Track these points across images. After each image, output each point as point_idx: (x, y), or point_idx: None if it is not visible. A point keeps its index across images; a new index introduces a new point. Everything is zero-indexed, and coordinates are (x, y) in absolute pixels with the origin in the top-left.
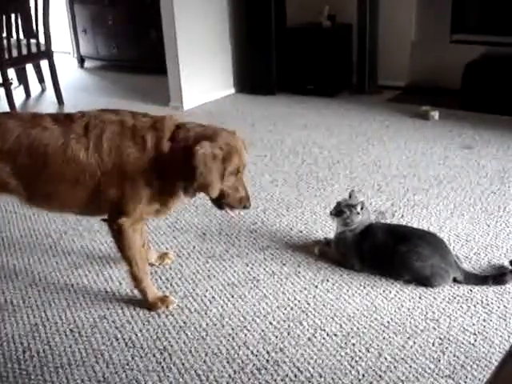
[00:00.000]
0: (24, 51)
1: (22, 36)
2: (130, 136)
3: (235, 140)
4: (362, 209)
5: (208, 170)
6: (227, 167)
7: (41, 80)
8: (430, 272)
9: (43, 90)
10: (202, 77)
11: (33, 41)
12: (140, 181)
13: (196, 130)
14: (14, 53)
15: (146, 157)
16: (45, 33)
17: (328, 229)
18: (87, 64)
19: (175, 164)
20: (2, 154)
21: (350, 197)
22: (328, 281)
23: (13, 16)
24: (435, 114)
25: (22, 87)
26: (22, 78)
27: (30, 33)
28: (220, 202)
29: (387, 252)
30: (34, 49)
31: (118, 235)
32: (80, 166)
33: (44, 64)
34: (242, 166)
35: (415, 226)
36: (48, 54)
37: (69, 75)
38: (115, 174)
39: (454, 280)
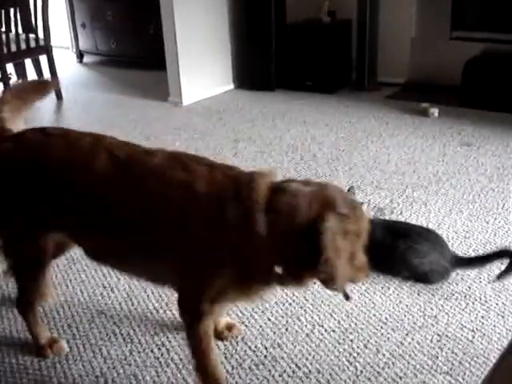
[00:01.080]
0: (23, 46)
1: (20, 31)
2: (202, 207)
3: (351, 196)
4: (360, 205)
5: (338, 255)
6: (360, 243)
7: (39, 75)
8: (429, 268)
9: None
10: (201, 72)
11: (32, 35)
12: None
13: (303, 191)
14: (13, 47)
15: (228, 239)
16: (44, 27)
17: None
18: (86, 59)
19: (277, 247)
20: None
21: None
22: None
23: (12, 10)
24: (435, 111)
25: (20, 82)
26: (21, 73)
27: (29, 27)
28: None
29: (385, 249)
30: (32, 43)
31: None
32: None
33: (43, 59)
34: (363, 237)
35: (414, 222)
36: (47, 49)
37: (67, 70)
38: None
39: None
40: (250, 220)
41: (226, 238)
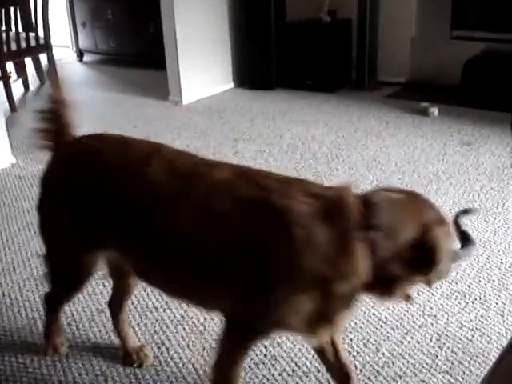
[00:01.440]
0: (23, 44)
1: (21, 29)
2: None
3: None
4: None
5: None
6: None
7: (40, 73)
8: None
9: (42, 84)
10: (201, 71)
11: (32, 34)
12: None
13: (397, 204)
14: (13, 46)
15: (316, 263)
16: (44, 26)
17: None
18: (86, 58)
19: (375, 265)
20: None
21: None
22: None
23: (12, 9)
24: (435, 111)
25: (20, 81)
26: (21, 72)
27: (29, 26)
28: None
29: None
30: (32, 42)
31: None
32: None
33: (43, 57)
34: None
35: None
36: (47, 48)
37: (67, 69)
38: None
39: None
40: (346, 242)
41: (314, 262)
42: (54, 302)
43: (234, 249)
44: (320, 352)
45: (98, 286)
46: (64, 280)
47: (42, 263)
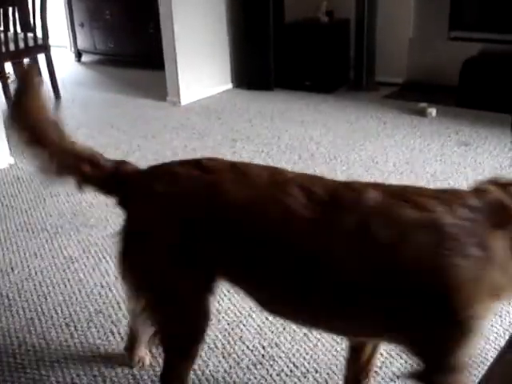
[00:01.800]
0: (21, 45)
1: (19, 30)
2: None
3: None
4: None
5: None
6: None
7: (38, 74)
8: None
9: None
10: (199, 72)
11: (30, 34)
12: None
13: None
14: (12, 47)
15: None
16: (42, 26)
17: None
18: (84, 58)
19: None
20: None
21: None
22: None
23: (10, 9)
24: (432, 111)
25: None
26: (20, 73)
27: (28, 26)
28: None
29: None
30: (31, 42)
31: None
32: None
33: (41, 58)
34: None
35: None
36: (45, 48)
37: (66, 69)
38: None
39: None
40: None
41: (499, 279)
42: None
43: (403, 278)
44: (355, 350)
45: (96, 287)
46: (178, 339)
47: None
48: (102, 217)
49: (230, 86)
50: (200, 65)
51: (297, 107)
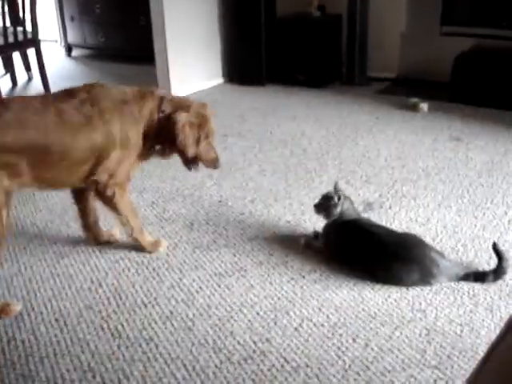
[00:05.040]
0: (10, 39)
1: (8, 24)
2: (129, 109)
3: (205, 110)
4: (339, 200)
5: (186, 136)
6: (201, 133)
7: (27, 68)
8: (410, 284)
9: (30, 79)
10: (190, 66)
11: (19, 29)
12: (133, 148)
13: (176, 101)
14: (0, 41)
15: (142, 125)
16: (32, 21)
17: (315, 219)
18: (74, 52)
19: (158, 131)
20: (20, 145)
21: (334, 188)
22: (315, 271)
23: None
24: (424, 106)
25: (8, 75)
26: (9, 67)
27: (17, 20)
28: (192, 163)
29: (362, 254)
30: (20, 37)
31: (113, 198)
32: (88, 148)
33: (31, 52)
34: (211, 132)
35: (403, 216)
36: (35, 42)
37: (56, 64)
38: (116, 145)
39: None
40: (152, 113)
41: (142, 123)
42: None
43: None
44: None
45: (86, 282)
46: None
47: None
48: None
49: (221, 80)
50: (191, 59)
51: (289, 102)
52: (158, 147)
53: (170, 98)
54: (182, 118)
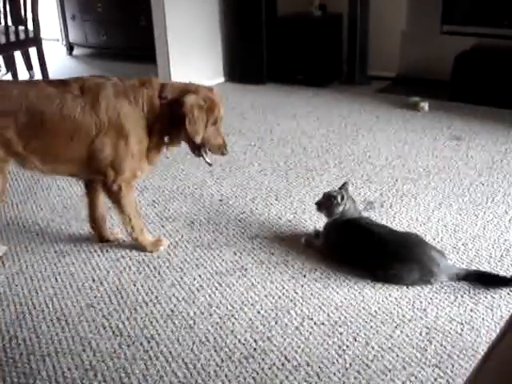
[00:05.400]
0: (12, 38)
1: (10, 23)
2: (123, 95)
3: (214, 94)
4: (342, 199)
5: (195, 118)
6: (209, 117)
7: (29, 67)
8: (411, 283)
9: (31, 78)
10: (191, 65)
11: (21, 28)
12: (133, 138)
13: (180, 85)
14: (2, 39)
15: (140, 113)
16: (33, 19)
17: (316, 218)
18: (76, 51)
19: (164, 116)
20: (4, 114)
21: (342, 187)
22: (316, 270)
23: (1, 2)
24: (425, 105)
25: (10, 74)
26: (10, 65)
27: (19, 19)
28: (200, 149)
29: (363, 253)
30: (22, 36)
31: (118, 195)
32: (76, 123)
33: (32, 51)
34: (219, 117)
35: (404, 216)
36: (36, 41)
37: (57, 63)
38: (111, 131)
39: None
40: (151, 100)
41: (140, 112)
42: None
43: (98, 117)
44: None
45: (87, 281)
46: None
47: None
48: None
49: (222, 79)
50: (192, 58)
51: (289, 101)
52: (166, 138)
53: (174, 83)
54: (190, 99)
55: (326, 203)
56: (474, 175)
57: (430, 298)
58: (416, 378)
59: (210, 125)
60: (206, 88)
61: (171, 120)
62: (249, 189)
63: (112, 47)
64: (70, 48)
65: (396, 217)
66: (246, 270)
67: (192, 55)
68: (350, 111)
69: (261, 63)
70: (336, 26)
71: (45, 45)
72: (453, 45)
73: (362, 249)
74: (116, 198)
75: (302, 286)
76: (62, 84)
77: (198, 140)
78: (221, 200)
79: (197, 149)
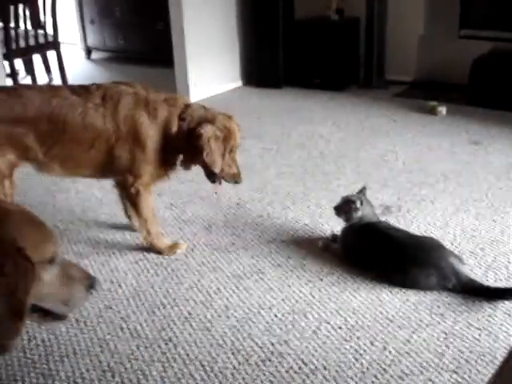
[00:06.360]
0: (32, 42)
1: (29, 27)
2: (143, 106)
3: (231, 123)
4: (361, 204)
5: (212, 149)
6: (226, 146)
7: (48, 70)
8: (428, 288)
9: (50, 81)
10: (208, 69)
11: (40, 31)
12: (150, 146)
13: (200, 112)
14: (22, 43)
15: (157, 126)
16: (52, 23)
17: (334, 222)
18: (94, 55)
19: (180, 139)
20: (25, 120)
21: (360, 192)
22: (333, 274)
23: (21, 6)
24: (443, 110)
25: (29, 78)
26: (30, 69)
27: (38, 23)
28: (215, 176)
29: (380, 257)
30: (41, 39)
31: (136, 197)
32: (97, 132)
33: (51, 55)
34: (236, 145)
35: (421, 220)
36: (55, 45)
37: (76, 66)
38: (129, 139)
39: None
40: (170, 118)
41: (157, 125)
42: None
43: (118, 125)
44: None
45: (106, 283)
46: None
47: None
48: (112, 213)
49: (239, 83)
50: (209, 62)
51: (306, 105)
52: (180, 157)
53: (196, 107)
54: (207, 131)
55: (344, 208)
56: (492, 179)
57: (448, 303)
58: (433, 383)
59: (226, 154)
60: (224, 116)
61: (187, 146)
62: (266, 192)
63: (130, 51)
64: (88, 52)
65: (413, 221)
66: (263, 273)
67: (209, 59)
68: (367, 115)
69: (278, 67)
70: (353, 30)
71: (63, 49)
72: (470, 49)
73: (380, 253)
74: (134, 201)
75: (319, 289)
76: (85, 92)
77: (216, 170)
78: (238, 203)
79: (212, 176)
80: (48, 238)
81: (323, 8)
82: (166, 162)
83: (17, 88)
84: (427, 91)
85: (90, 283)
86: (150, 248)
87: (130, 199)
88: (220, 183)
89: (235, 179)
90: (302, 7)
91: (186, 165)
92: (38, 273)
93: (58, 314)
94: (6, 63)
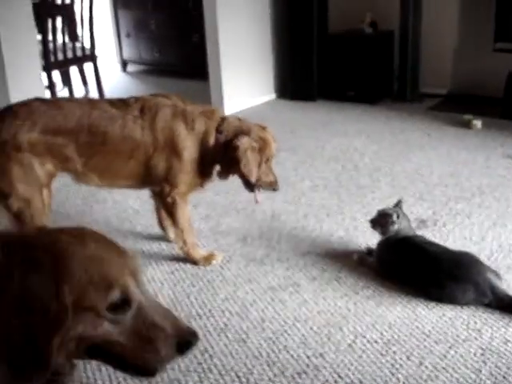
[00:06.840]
0: (69, 54)
1: (67, 39)
2: (181, 117)
3: (266, 134)
4: (398, 217)
5: (249, 160)
6: (262, 156)
7: (85, 83)
8: (465, 303)
9: (87, 93)
10: (243, 82)
11: (78, 44)
12: (186, 156)
13: (236, 124)
14: (60, 56)
15: (195, 137)
16: (90, 37)
17: (368, 235)
18: (130, 68)
19: (217, 151)
20: (66, 132)
21: (396, 205)
22: (369, 288)
23: (59, 20)
24: (478, 123)
25: (66, 90)
26: (67, 81)
27: (75, 36)
28: (253, 186)
29: (417, 272)
30: (78, 52)
31: (172, 207)
32: (135, 143)
33: (88, 67)
34: (271, 155)
35: (457, 235)
36: (92, 58)
37: (112, 79)
38: (166, 149)
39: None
40: (208, 131)
41: (194, 137)
42: None
43: (156, 137)
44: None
45: None
46: None
47: None
48: (148, 224)
49: (273, 96)
50: (244, 75)
51: (340, 118)
52: (217, 168)
53: (232, 120)
54: (243, 143)
55: (380, 221)
56: None
57: (485, 319)
58: None
59: (262, 163)
60: (258, 127)
61: (225, 157)
62: (300, 205)
63: (165, 64)
64: (124, 65)
65: (449, 236)
66: (298, 285)
67: (244, 72)
68: (401, 129)
69: (312, 80)
70: (387, 43)
71: (100, 61)
72: (505, 62)
73: (416, 267)
74: (170, 211)
75: (355, 303)
76: (124, 105)
77: (253, 180)
78: (273, 216)
79: (250, 185)
80: (113, 277)
81: (357, 21)
82: (202, 173)
83: (57, 100)
84: (462, 104)
85: (183, 341)
86: (186, 258)
87: (167, 209)
88: (259, 191)
89: (272, 187)
90: (335, 20)
91: (223, 175)
92: (72, 319)
93: (139, 369)
94: (45, 75)
